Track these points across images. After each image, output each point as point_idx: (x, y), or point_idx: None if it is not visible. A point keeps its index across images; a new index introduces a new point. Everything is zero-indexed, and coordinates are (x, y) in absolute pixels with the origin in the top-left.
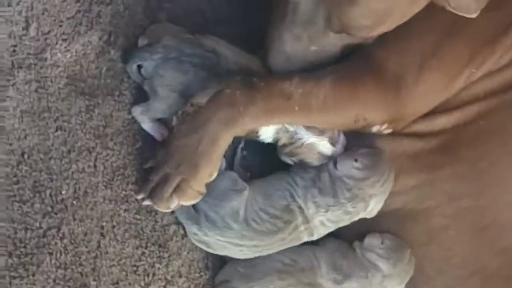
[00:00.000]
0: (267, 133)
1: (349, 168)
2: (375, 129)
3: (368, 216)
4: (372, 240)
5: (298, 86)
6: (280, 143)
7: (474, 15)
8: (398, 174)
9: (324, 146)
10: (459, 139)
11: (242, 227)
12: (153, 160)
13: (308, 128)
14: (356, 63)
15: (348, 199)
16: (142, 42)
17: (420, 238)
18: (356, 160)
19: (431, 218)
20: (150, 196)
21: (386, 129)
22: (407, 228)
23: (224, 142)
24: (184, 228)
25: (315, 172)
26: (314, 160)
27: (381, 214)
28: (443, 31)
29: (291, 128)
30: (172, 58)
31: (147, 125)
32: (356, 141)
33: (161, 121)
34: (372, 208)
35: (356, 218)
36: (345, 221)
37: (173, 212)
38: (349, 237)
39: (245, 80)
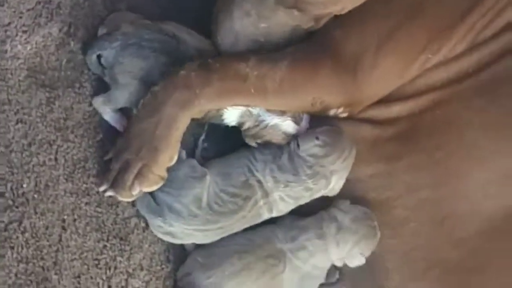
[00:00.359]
0: (231, 117)
1: (311, 146)
2: (332, 112)
3: (330, 194)
4: (339, 201)
5: (254, 68)
6: (245, 126)
7: None
8: (356, 162)
9: (288, 125)
10: (416, 128)
11: (206, 212)
12: (112, 150)
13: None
14: (313, 46)
15: (309, 176)
16: (101, 31)
17: (384, 230)
18: (317, 138)
19: (392, 209)
20: (112, 185)
21: (342, 113)
22: None
23: (182, 124)
24: (145, 221)
25: (275, 149)
26: (279, 141)
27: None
28: (400, 15)
29: (254, 111)
30: (132, 44)
31: (108, 116)
32: (315, 123)
33: (123, 112)
34: (333, 186)
35: (318, 195)
36: (306, 198)
37: (134, 204)
38: None
39: (200, 61)
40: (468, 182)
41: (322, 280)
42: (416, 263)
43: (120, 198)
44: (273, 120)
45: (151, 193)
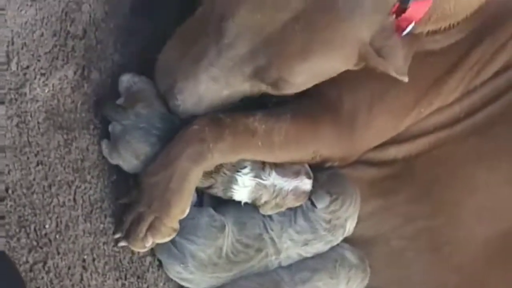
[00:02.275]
0: (241, 195)
1: (327, 203)
2: (327, 165)
3: (346, 235)
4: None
5: (262, 122)
6: (262, 201)
7: (406, 79)
8: None
9: (305, 183)
10: (412, 168)
11: (224, 261)
12: (127, 197)
13: (283, 174)
14: (314, 102)
15: (328, 229)
16: (121, 84)
17: (381, 260)
18: (329, 194)
19: (390, 241)
20: (125, 236)
21: (336, 165)
22: (369, 253)
23: (194, 178)
24: (159, 259)
25: (288, 212)
26: (300, 202)
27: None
28: (388, 77)
29: (267, 183)
30: (141, 128)
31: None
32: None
33: None
34: (349, 229)
35: (336, 243)
36: (326, 248)
37: None
38: None
39: (211, 116)
40: (463, 210)
41: None
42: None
43: (133, 249)
44: (291, 183)
45: (172, 239)
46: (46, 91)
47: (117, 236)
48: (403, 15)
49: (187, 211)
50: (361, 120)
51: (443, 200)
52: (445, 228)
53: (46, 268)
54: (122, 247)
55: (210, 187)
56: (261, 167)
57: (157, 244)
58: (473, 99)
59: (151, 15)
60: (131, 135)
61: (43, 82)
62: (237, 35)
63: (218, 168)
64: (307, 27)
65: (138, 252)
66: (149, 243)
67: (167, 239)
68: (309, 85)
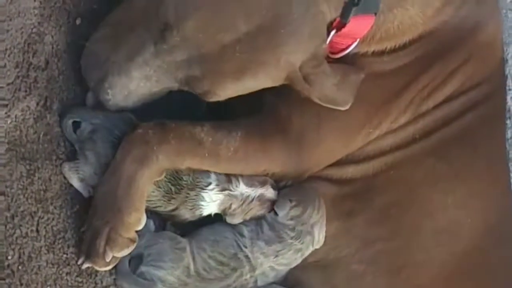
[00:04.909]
0: (210, 209)
1: (288, 210)
2: (282, 184)
3: (317, 247)
4: None
5: (209, 134)
6: (232, 209)
7: (345, 107)
8: None
9: (270, 193)
10: (370, 188)
11: (195, 279)
12: (87, 222)
13: (250, 185)
14: (265, 120)
15: (295, 237)
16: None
17: (342, 285)
18: (290, 200)
19: (349, 265)
20: (87, 256)
21: (291, 184)
22: (330, 277)
23: (142, 181)
24: None
25: (255, 225)
26: (264, 210)
27: (305, 265)
28: None
29: (235, 192)
30: (106, 128)
31: (74, 182)
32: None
33: None
34: (318, 237)
35: (308, 253)
36: (298, 259)
37: (111, 273)
38: None
39: (155, 121)
40: (420, 232)
41: None
42: None
43: (97, 268)
44: (257, 191)
45: (138, 270)
46: (9, 122)
47: (80, 261)
48: (344, 30)
49: (143, 221)
50: (309, 138)
51: (400, 223)
52: (402, 251)
53: None
54: (87, 271)
55: (175, 209)
56: (226, 180)
57: (122, 278)
58: (426, 121)
59: None
60: (97, 134)
61: (6, 113)
62: (176, 46)
63: (179, 190)
64: (248, 48)
65: (102, 282)
66: (109, 257)
67: (126, 251)
68: (233, 96)
